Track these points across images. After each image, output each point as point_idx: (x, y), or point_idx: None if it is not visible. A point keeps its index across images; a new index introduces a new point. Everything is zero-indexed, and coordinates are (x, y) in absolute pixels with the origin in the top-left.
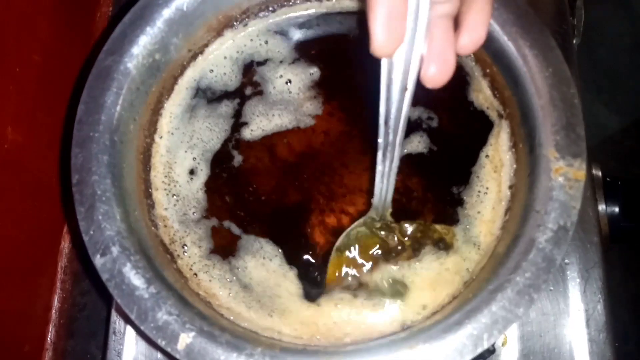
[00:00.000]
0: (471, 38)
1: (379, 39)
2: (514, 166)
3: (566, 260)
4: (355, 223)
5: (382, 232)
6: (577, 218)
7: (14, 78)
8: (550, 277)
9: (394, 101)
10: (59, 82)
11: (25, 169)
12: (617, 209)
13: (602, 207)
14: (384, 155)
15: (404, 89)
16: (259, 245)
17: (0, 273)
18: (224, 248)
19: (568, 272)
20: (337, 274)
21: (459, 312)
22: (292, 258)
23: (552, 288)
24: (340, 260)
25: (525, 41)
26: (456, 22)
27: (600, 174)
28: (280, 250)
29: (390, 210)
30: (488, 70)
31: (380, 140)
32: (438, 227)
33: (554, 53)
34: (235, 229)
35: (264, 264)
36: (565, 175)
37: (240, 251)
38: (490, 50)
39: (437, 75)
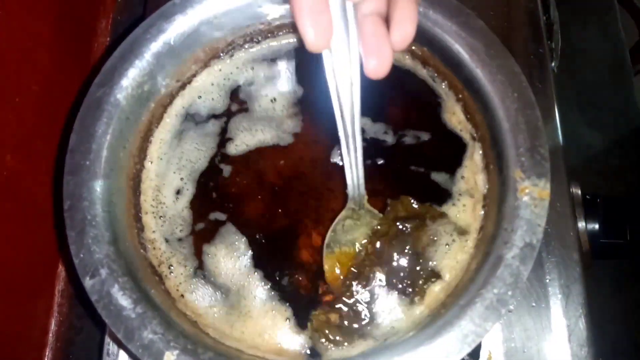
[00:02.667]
0: (400, 34)
1: (309, 35)
2: (487, 186)
3: (547, 277)
4: (338, 217)
5: (367, 218)
6: (542, 235)
7: (13, 108)
8: (517, 292)
9: (344, 94)
10: (57, 111)
11: (24, 195)
12: (597, 226)
13: (581, 224)
14: (347, 146)
15: (350, 82)
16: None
17: None
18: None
19: (549, 289)
20: (334, 271)
21: (432, 326)
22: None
23: (534, 304)
24: (332, 257)
25: (492, 68)
26: (388, 23)
27: (579, 192)
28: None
29: (366, 197)
30: (460, 95)
31: (340, 133)
32: (416, 205)
33: (519, 78)
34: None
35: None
36: (530, 195)
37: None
38: (461, 76)
39: (377, 68)
